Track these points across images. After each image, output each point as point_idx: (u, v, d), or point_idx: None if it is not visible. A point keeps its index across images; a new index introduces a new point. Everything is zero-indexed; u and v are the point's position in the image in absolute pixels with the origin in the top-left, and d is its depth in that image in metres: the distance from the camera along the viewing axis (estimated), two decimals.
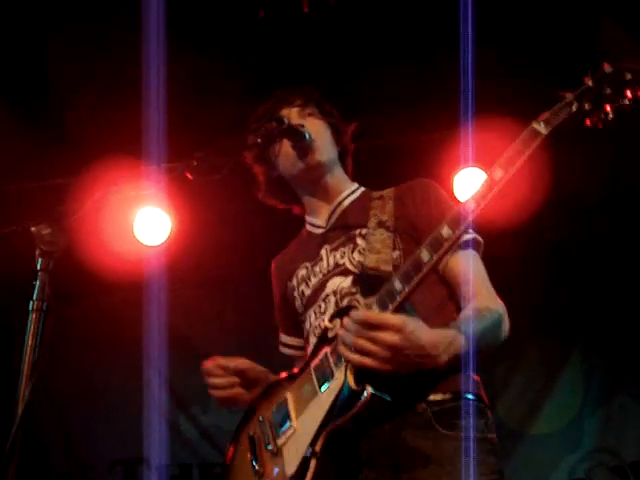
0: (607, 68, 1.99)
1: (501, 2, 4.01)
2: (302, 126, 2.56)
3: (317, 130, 2.62)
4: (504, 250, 4.98)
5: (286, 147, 2.59)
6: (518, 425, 5.63)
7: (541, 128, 1.99)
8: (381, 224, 2.47)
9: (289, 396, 2.36)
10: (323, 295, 2.51)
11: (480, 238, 2.39)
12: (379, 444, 2.22)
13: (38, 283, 1.97)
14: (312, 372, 2.30)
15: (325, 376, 2.23)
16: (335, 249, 2.56)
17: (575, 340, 5.77)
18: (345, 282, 2.46)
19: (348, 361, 2.11)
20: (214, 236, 5.42)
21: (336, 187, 2.68)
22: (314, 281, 2.57)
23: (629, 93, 1.95)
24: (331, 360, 2.23)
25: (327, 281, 2.52)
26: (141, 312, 4.96)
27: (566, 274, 5.72)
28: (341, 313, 2.29)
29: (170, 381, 5.84)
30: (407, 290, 2.11)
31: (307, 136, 2.55)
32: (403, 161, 4.78)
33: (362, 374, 2.12)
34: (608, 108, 1.98)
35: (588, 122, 2.00)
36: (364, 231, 2.50)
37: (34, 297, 1.95)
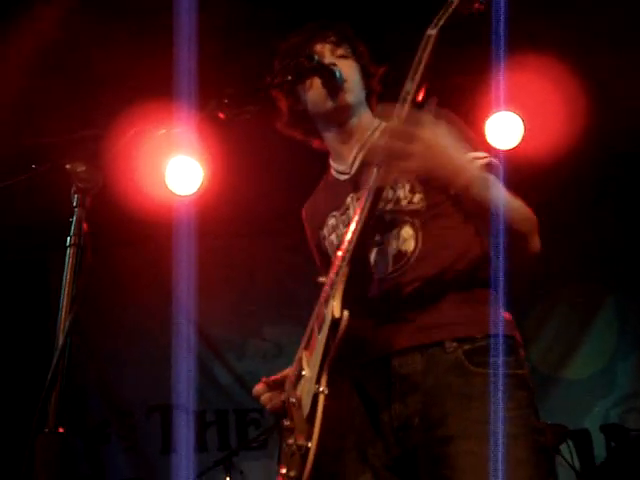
0: None
1: None
2: (334, 65, 2.53)
3: (348, 71, 2.57)
4: (541, 194, 4.95)
5: (317, 84, 2.54)
6: (552, 369, 5.65)
7: (432, 31, 2.10)
8: None
9: (302, 353, 2.43)
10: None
11: (495, 160, 2.33)
12: (411, 382, 2.28)
13: (75, 219, 1.98)
14: (313, 322, 2.37)
15: (320, 320, 2.31)
16: (359, 199, 2.50)
17: (610, 285, 5.75)
18: None
19: (388, 172, 2.12)
20: (247, 187, 5.43)
21: (361, 130, 2.65)
22: (343, 230, 2.57)
23: None
24: (323, 305, 2.30)
25: None
26: (174, 261, 5.02)
27: (603, 219, 5.68)
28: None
29: (204, 329, 5.92)
30: (362, 219, 2.21)
31: (338, 75, 2.52)
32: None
33: (347, 300, 2.22)
34: None
35: (467, 13, 2.13)
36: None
37: (71, 232, 1.97)
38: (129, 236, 5.82)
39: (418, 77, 2.08)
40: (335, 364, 2.22)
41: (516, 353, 2.30)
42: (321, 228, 2.68)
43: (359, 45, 2.68)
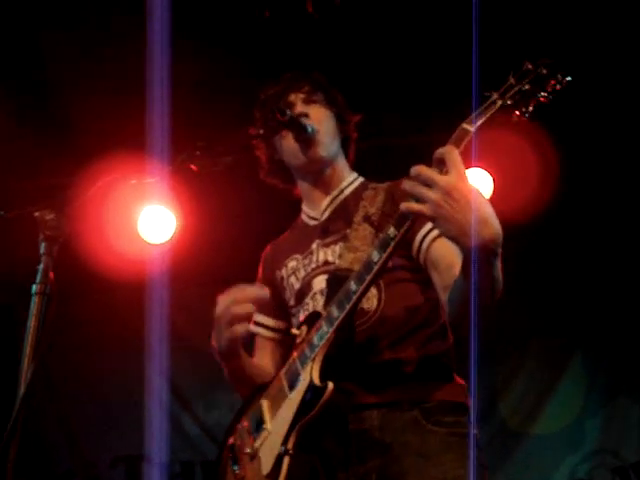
0: (527, 65, 2.08)
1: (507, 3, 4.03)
2: (306, 115, 2.57)
3: (321, 119, 2.61)
4: (510, 248, 4.98)
5: (289, 138, 2.59)
6: (520, 425, 5.65)
7: (469, 127, 2.06)
8: (367, 218, 2.49)
9: (263, 402, 2.43)
10: (311, 293, 2.55)
11: None
12: (368, 439, 2.32)
13: (41, 267, 1.99)
14: (282, 377, 2.38)
15: (293, 379, 2.31)
16: (326, 245, 2.57)
17: (579, 341, 5.78)
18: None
19: (408, 211, 2.00)
20: (219, 236, 5.43)
21: (336, 179, 2.69)
22: (303, 274, 2.60)
23: (546, 87, 2.07)
24: (298, 363, 2.30)
25: (314, 278, 2.55)
26: (144, 311, 4.97)
27: (573, 275, 5.72)
28: (308, 320, 2.38)
29: (173, 380, 5.85)
30: (361, 289, 2.17)
31: (310, 129, 2.55)
32: (405, 161, 4.77)
33: (326, 373, 2.21)
34: (529, 102, 2.07)
35: (512, 116, 2.09)
36: (349, 231, 2.51)
37: (37, 280, 1.97)
38: (97, 286, 5.77)
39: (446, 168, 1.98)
40: (307, 428, 2.22)
41: (468, 415, 2.36)
42: (279, 268, 2.71)
43: (333, 93, 2.73)
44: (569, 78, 2.06)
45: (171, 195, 4.67)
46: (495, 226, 1.96)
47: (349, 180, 2.71)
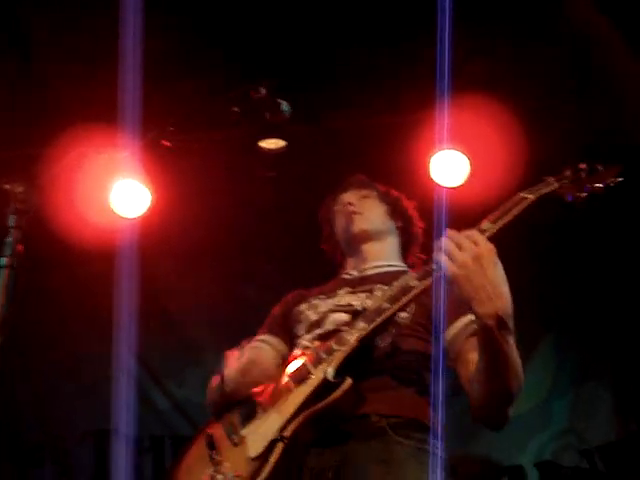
0: (582, 166, 2.35)
1: None
2: (361, 213, 2.84)
3: (369, 206, 2.87)
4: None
5: (340, 216, 2.88)
6: None
7: (528, 195, 2.32)
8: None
9: (257, 404, 2.47)
10: (323, 324, 2.62)
11: None
12: (330, 438, 2.33)
13: (10, 240, 1.98)
14: (287, 378, 2.41)
15: (301, 377, 2.36)
16: (353, 293, 2.67)
17: (549, 323, 5.82)
18: (346, 317, 2.57)
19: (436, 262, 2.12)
20: (192, 210, 5.41)
21: (383, 255, 2.84)
22: (323, 309, 2.68)
23: (602, 181, 2.33)
24: (309, 365, 2.36)
25: (333, 313, 2.63)
26: (115, 284, 4.95)
27: (543, 258, 5.76)
28: (323, 337, 2.46)
29: (145, 354, 5.84)
30: (394, 308, 2.30)
31: (285, 107, 2.56)
32: (379, 143, 4.79)
33: (342, 372, 2.27)
34: (584, 190, 2.33)
35: (567, 199, 2.35)
36: (386, 287, 2.58)
37: (5, 253, 1.96)
38: (68, 259, 5.73)
39: (499, 225, 2.28)
40: (310, 419, 2.26)
41: (437, 438, 2.39)
42: (299, 304, 2.79)
43: (393, 201, 2.97)
44: (621, 179, 2.30)
45: (143, 169, 4.63)
46: (508, 302, 2.16)
47: (397, 264, 2.86)
